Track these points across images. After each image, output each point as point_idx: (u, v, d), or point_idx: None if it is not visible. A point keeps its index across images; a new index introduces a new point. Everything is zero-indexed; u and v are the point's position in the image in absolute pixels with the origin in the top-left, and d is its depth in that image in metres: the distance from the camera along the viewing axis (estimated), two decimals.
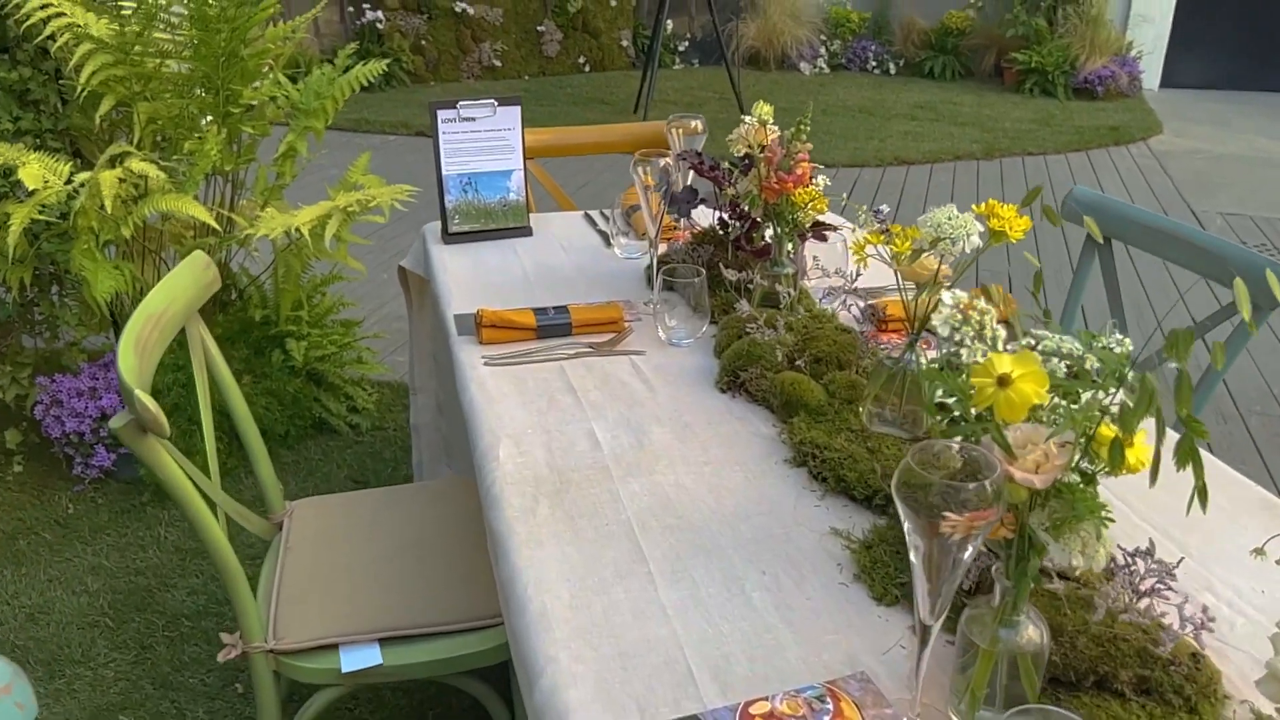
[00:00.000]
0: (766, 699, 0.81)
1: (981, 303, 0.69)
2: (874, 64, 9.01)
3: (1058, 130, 6.92)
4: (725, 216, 1.68)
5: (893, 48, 9.02)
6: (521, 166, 1.94)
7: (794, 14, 8.98)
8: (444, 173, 1.90)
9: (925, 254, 1.09)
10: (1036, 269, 1.16)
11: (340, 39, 8.07)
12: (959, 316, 0.67)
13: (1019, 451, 0.69)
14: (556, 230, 2.05)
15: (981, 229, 1.08)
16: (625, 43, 9.15)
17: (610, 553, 1.02)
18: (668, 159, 1.56)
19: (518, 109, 1.90)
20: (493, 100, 1.87)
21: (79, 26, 2.43)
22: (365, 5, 8.00)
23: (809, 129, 1.38)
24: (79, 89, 2.44)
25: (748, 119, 1.44)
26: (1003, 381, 0.65)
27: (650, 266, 1.77)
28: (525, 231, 1.99)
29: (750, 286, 1.52)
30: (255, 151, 2.84)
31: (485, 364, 1.46)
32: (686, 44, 9.41)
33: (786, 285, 1.52)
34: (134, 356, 1.25)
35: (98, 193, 2.31)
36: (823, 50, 9.09)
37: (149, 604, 2.23)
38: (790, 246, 1.49)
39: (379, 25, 7.93)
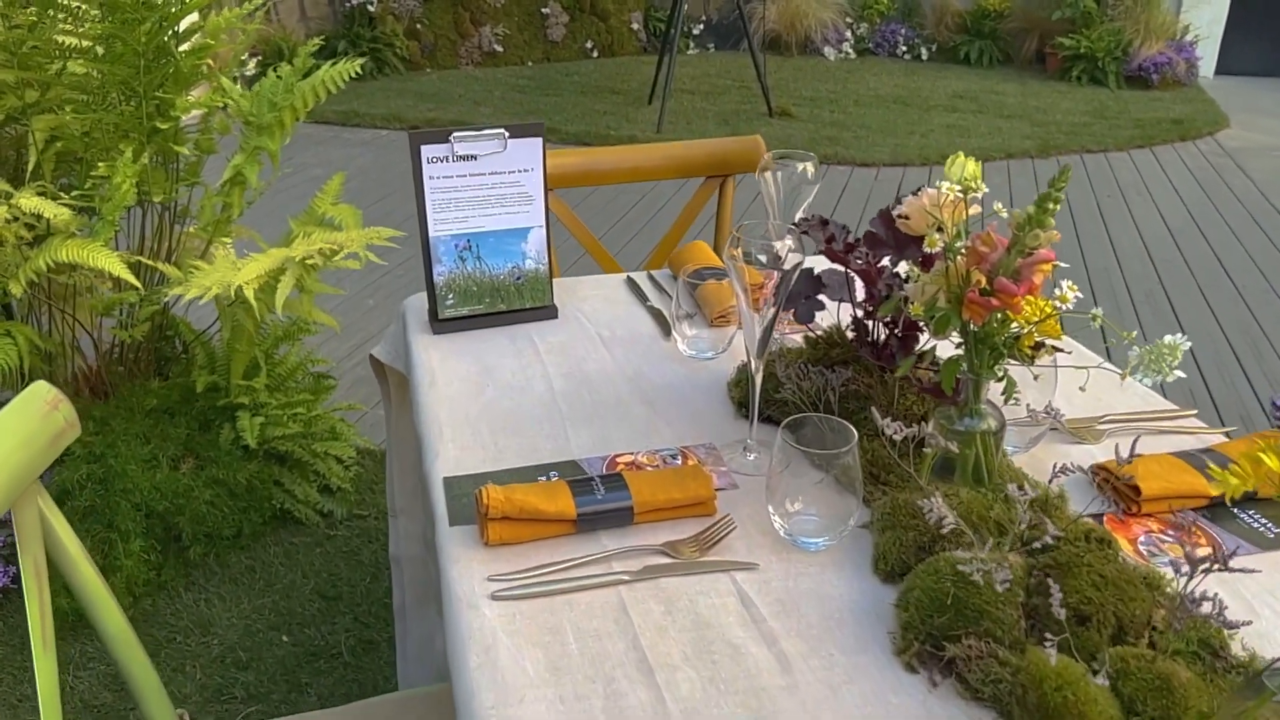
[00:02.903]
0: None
1: None
2: (904, 49, 8.36)
3: (1115, 124, 6.29)
4: (863, 318, 1.09)
5: (924, 31, 8.35)
6: (543, 222, 1.35)
7: None
8: (431, 234, 1.30)
9: None
10: None
11: (329, 23, 7.42)
12: None
13: None
14: (590, 307, 1.45)
15: None
16: (636, 26, 8.50)
17: None
18: (785, 240, 0.97)
19: (539, 141, 1.30)
20: (501, 130, 1.27)
21: None
22: None
23: (1058, 206, 0.79)
24: None
25: (943, 185, 0.85)
26: None
27: (745, 385, 1.18)
28: (549, 314, 1.39)
29: (926, 447, 0.93)
30: (199, 173, 2.24)
31: (494, 595, 0.87)
32: (701, 27, 8.76)
33: (983, 447, 0.93)
34: None
35: None
36: (849, 34, 8.43)
37: None
38: (1003, 385, 0.90)
39: (370, 8, 7.29)
